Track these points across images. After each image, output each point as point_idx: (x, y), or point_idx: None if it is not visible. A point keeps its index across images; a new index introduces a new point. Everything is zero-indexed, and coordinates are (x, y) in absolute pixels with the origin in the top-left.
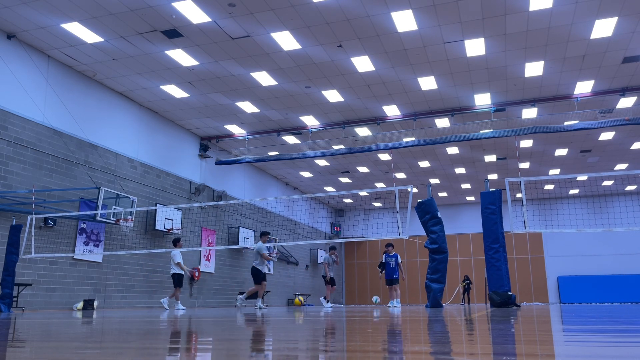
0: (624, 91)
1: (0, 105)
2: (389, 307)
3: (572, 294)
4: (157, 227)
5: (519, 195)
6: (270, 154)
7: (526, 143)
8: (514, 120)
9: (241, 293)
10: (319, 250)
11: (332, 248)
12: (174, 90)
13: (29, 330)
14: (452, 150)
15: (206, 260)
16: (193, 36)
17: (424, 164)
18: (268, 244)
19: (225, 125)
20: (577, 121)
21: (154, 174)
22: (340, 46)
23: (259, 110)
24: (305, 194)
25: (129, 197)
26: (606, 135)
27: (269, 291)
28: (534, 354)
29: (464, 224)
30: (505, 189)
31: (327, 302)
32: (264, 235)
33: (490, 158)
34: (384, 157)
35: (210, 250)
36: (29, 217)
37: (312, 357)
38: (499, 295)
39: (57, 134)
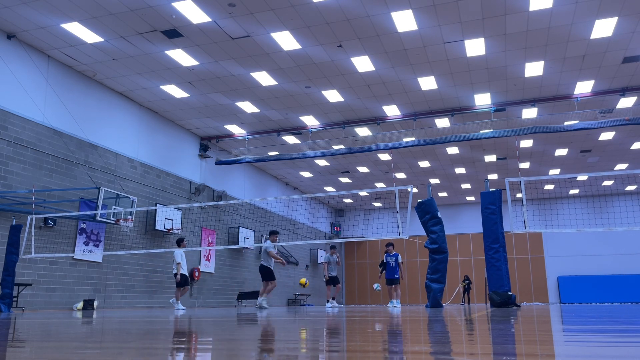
0: (624, 91)
1: (0, 105)
2: (389, 307)
3: (572, 294)
4: (157, 227)
5: (519, 195)
6: (270, 154)
7: (526, 143)
8: (514, 120)
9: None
10: (319, 250)
11: (332, 247)
12: (174, 90)
13: (29, 330)
14: (452, 150)
15: (206, 260)
16: (193, 36)
17: (424, 164)
18: (276, 244)
19: (225, 125)
20: (577, 121)
21: (154, 174)
22: (340, 46)
23: (259, 110)
24: (305, 194)
25: (129, 197)
26: (606, 135)
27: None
28: (534, 354)
29: (464, 224)
30: (505, 189)
31: (327, 301)
32: (273, 235)
33: (490, 158)
34: (384, 157)
35: (210, 250)
36: (29, 217)
37: (312, 357)
38: (499, 295)
39: (57, 134)
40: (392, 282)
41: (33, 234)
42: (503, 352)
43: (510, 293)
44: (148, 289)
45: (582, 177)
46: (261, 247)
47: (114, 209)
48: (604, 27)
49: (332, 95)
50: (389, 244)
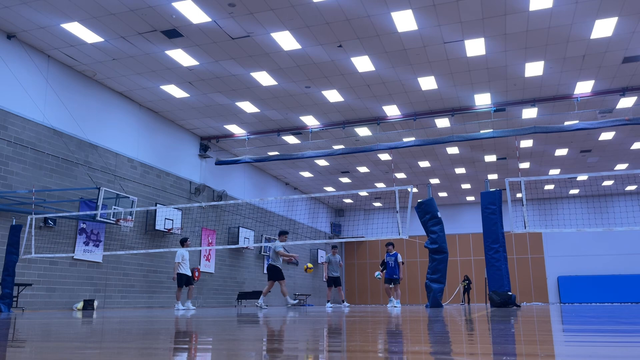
0: (624, 91)
1: (0, 105)
2: (389, 307)
3: (572, 294)
4: (157, 227)
5: (519, 195)
6: (270, 154)
7: (526, 143)
8: (514, 120)
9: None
10: (318, 250)
11: (333, 247)
12: (174, 90)
13: (29, 330)
14: (452, 150)
15: (206, 260)
16: (193, 36)
17: (424, 164)
18: (284, 243)
19: (225, 125)
20: (577, 121)
21: (154, 174)
22: (340, 46)
23: (259, 110)
24: (305, 194)
25: (129, 197)
26: (606, 135)
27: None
28: (534, 354)
29: (464, 224)
30: (505, 189)
31: (328, 301)
32: (282, 235)
33: (490, 158)
34: (384, 157)
35: (210, 250)
36: (29, 217)
37: (312, 357)
38: (499, 295)
39: (57, 134)
40: (391, 281)
41: (33, 234)
42: (503, 352)
43: (510, 293)
44: (148, 289)
45: (582, 177)
46: (270, 247)
47: (114, 209)
48: (604, 27)
49: (332, 95)
50: (389, 243)
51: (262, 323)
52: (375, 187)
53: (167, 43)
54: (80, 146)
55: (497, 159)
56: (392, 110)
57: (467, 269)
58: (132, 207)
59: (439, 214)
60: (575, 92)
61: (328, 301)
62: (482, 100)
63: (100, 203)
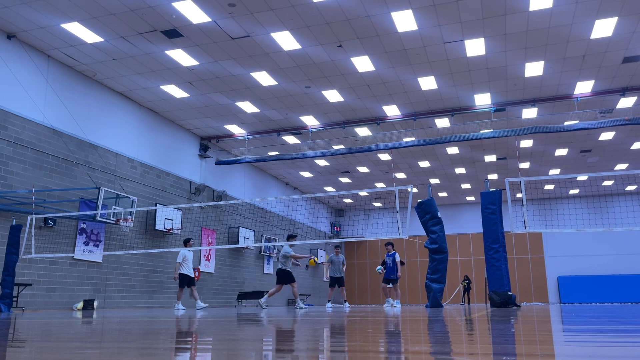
0: (624, 91)
1: (0, 105)
2: (385, 307)
3: (572, 294)
4: (157, 227)
5: (519, 195)
6: (270, 154)
7: (526, 143)
8: (514, 120)
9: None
10: (318, 250)
11: (336, 247)
12: (174, 90)
13: (29, 330)
14: (452, 150)
15: (206, 260)
16: (193, 36)
17: (424, 164)
18: (292, 243)
19: (225, 125)
20: (577, 121)
21: (154, 174)
22: (340, 46)
23: (259, 110)
24: (305, 194)
25: (129, 197)
26: (606, 135)
27: (269, 291)
28: (534, 354)
29: (464, 224)
30: (505, 189)
31: (328, 301)
32: (291, 238)
33: (490, 158)
34: (384, 157)
35: (210, 250)
36: (29, 217)
37: (312, 357)
38: (499, 295)
39: (57, 134)
40: (390, 281)
41: (33, 234)
42: (503, 352)
43: (510, 293)
44: (148, 289)
45: (582, 177)
46: (270, 248)
47: (114, 209)
48: (604, 27)
49: (332, 95)
50: (388, 243)
51: (262, 323)
52: (375, 187)
53: (167, 43)
54: (80, 146)
55: (497, 159)
56: (392, 110)
57: (467, 269)
58: (132, 207)
59: (439, 214)
60: (575, 92)
61: (329, 301)
62: (482, 100)
63: (100, 203)
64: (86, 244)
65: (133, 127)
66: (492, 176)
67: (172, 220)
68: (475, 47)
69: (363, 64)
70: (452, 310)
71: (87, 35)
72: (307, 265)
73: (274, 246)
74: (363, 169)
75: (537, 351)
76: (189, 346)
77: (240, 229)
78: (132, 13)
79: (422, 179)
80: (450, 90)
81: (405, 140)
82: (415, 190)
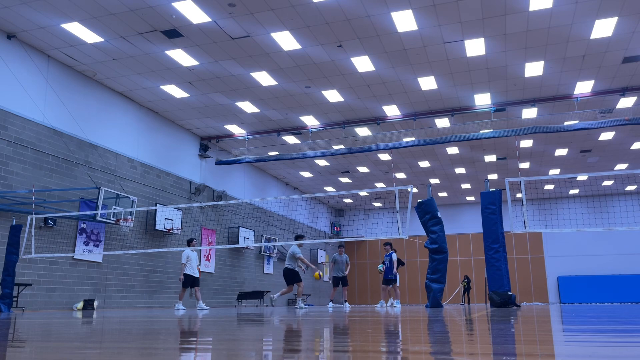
0: (624, 91)
1: (0, 105)
2: (377, 307)
3: (572, 294)
4: (157, 227)
5: (519, 195)
6: (270, 154)
7: (526, 143)
8: (514, 120)
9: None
10: (318, 250)
11: (340, 246)
12: (174, 90)
13: (29, 330)
14: (452, 150)
15: (206, 260)
16: (193, 36)
17: (424, 164)
18: (299, 242)
19: (225, 125)
20: (577, 121)
21: (154, 174)
22: (340, 46)
23: (259, 110)
24: (305, 194)
25: (129, 197)
26: (606, 135)
27: (269, 291)
28: (534, 354)
29: (464, 224)
30: (505, 189)
31: (341, 301)
32: (299, 238)
33: (490, 158)
34: (384, 157)
35: (210, 250)
36: (29, 217)
37: (312, 357)
38: (499, 295)
39: (57, 134)
40: (388, 282)
41: (33, 234)
42: (503, 352)
43: (510, 293)
44: (148, 289)
45: (582, 177)
46: (269, 248)
47: (114, 209)
48: (604, 27)
49: (332, 95)
50: (386, 243)
51: (261, 323)
52: (375, 187)
53: (167, 43)
54: (80, 146)
55: (497, 159)
56: (392, 110)
57: (467, 269)
58: (132, 207)
59: (439, 214)
60: (575, 92)
61: (331, 300)
62: (482, 100)
63: (100, 203)
64: (86, 244)
65: (133, 127)
66: (492, 176)
67: (172, 220)
68: (475, 47)
69: (363, 64)
70: (452, 310)
71: (87, 35)
72: (304, 270)
73: (274, 246)
74: (363, 169)
75: (537, 351)
76: (189, 346)
77: (240, 229)
78: (132, 13)
79: (422, 179)
80: (450, 90)
81: (405, 140)
82: (415, 190)
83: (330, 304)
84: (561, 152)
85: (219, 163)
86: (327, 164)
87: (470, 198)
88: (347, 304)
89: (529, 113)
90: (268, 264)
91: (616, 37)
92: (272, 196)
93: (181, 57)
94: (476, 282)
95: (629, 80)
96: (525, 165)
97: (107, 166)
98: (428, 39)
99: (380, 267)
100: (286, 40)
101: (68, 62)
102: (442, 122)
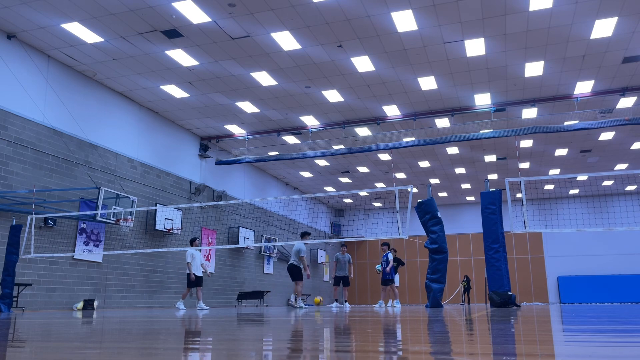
0: (624, 91)
1: (0, 105)
2: (375, 307)
3: (572, 294)
4: (157, 227)
5: (519, 195)
6: (270, 154)
7: (526, 143)
8: (514, 120)
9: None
10: (318, 250)
11: (342, 245)
12: (174, 90)
13: (29, 330)
14: (452, 150)
15: (206, 260)
16: (193, 36)
17: (424, 164)
18: (306, 241)
19: (225, 125)
20: (577, 121)
21: (154, 174)
22: (340, 46)
23: (259, 110)
24: (305, 194)
25: (129, 197)
26: (606, 135)
27: (269, 291)
28: (534, 354)
29: (464, 224)
30: (505, 189)
31: (336, 300)
32: (305, 235)
33: (490, 158)
34: (384, 157)
35: (210, 250)
36: (29, 217)
37: (312, 357)
38: (499, 295)
39: (57, 134)
40: (385, 282)
41: (33, 234)
42: (503, 352)
43: (510, 293)
44: (148, 289)
45: (582, 177)
46: (269, 247)
47: (114, 209)
48: (604, 27)
49: (332, 95)
50: (383, 243)
51: (260, 323)
52: (375, 187)
53: (167, 43)
54: (80, 146)
55: (497, 159)
56: (392, 110)
57: (467, 269)
58: (132, 207)
59: (439, 214)
60: (575, 92)
61: (336, 300)
62: (482, 100)
63: (100, 203)
64: (86, 244)
65: (133, 127)
66: (492, 176)
67: (172, 220)
68: (475, 47)
69: (363, 64)
70: (452, 310)
71: (87, 35)
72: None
73: (274, 246)
74: (363, 169)
75: (537, 351)
76: (189, 346)
77: (240, 229)
78: (132, 13)
79: (422, 179)
80: (450, 90)
81: (405, 140)
82: (415, 190)
83: (335, 304)
84: (561, 152)
85: (219, 163)
86: (327, 164)
87: (470, 198)
88: (347, 304)
89: (529, 113)
90: (268, 264)
91: (616, 37)
92: (272, 196)
93: (181, 57)
94: (476, 282)
95: (629, 80)
96: (525, 165)
97: (107, 166)
98: (428, 39)
99: (379, 267)
100: (286, 40)
101: (68, 62)
102: (442, 122)
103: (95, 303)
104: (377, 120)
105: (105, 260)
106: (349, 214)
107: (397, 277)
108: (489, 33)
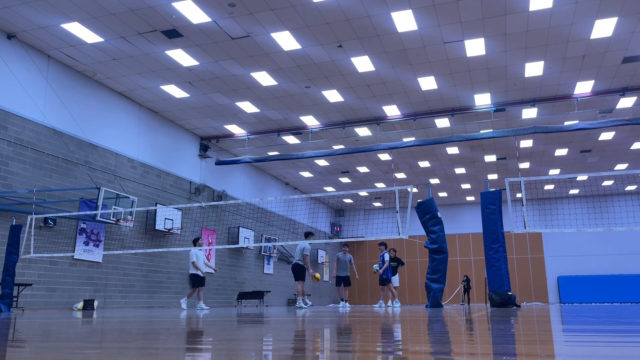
0: (624, 91)
1: (0, 105)
2: (375, 307)
3: (572, 294)
4: (157, 227)
5: (519, 195)
6: (270, 154)
7: (526, 143)
8: (514, 120)
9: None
10: (318, 250)
11: (344, 245)
12: (174, 90)
13: (29, 330)
14: (452, 150)
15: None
16: (193, 36)
17: (424, 164)
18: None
19: (225, 125)
20: (577, 121)
21: (154, 174)
22: (340, 46)
23: (259, 110)
24: (305, 194)
25: (129, 197)
26: (606, 135)
27: (269, 291)
28: (534, 354)
29: (464, 224)
30: (505, 189)
31: (343, 300)
32: (308, 235)
33: (490, 158)
34: (384, 157)
35: (210, 250)
36: (29, 217)
37: (312, 357)
38: (499, 295)
39: (57, 134)
40: (382, 282)
41: (33, 234)
42: (503, 352)
43: (510, 293)
44: (148, 289)
45: (582, 177)
46: (269, 247)
47: (114, 209)
48: (604, 27)
49: (332, 95)
50: (380, 243)
51: (260, 323)
52: (375, 187)
53: (167, 43)
54: (80, 146)
55: (497, 159)
56: (392, 110)
57: (467, 269)
58: (132, 207)
59: (439, 214)
60: (575, 92)
61: (342, 299)
62: (482, 100)
63: (100, 203)
64: (86, 243)
65: (133, 127)
66: (492, 176)
67: (172, 220)
68: (475, 47)
69: (363, 64)
70: (452, 310)
71: (87, 35)
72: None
73: (274, 246)
74: (363, 169)
75: (537, 351)
76: (189, 346)
77: (240, 229)
78: (132, 13)
79: (422, 179)
80: (450, 90)
81: (405, 140)
82: (415, 190)
83: (342, 303)
84: (561, 152)
85: (219, 163)
86: (327, 164)
87: (470, 198)
88: (347, 304)
89: (529, 113)
90: (268, 264)
91: (616, 37)
92: (272, 196)
93: (181, 57)
94: (476, 282)
95: (629, 80)
96: (525, 165)
97: (107, 166)
98: (428, 39)
99: (376, 267)
100: (286, 40)
101: (68, 62)
102: (442, 122)
103: (95, 303)
104: (377, 120)
105: (105, 260)
106: (349, 214)
107: (397, 277)
108: (489, 33)
